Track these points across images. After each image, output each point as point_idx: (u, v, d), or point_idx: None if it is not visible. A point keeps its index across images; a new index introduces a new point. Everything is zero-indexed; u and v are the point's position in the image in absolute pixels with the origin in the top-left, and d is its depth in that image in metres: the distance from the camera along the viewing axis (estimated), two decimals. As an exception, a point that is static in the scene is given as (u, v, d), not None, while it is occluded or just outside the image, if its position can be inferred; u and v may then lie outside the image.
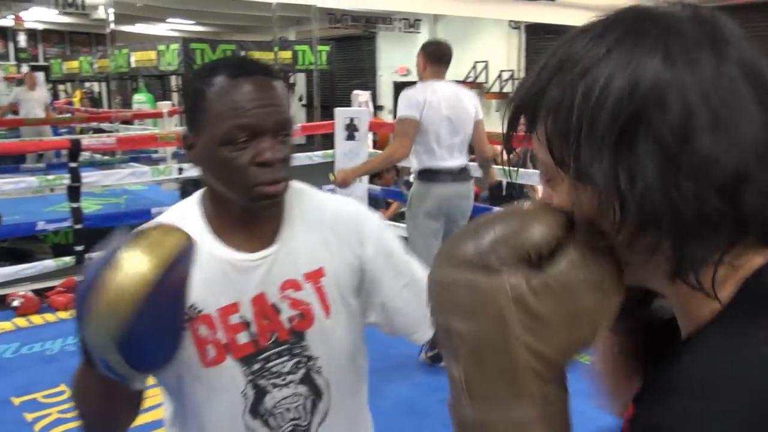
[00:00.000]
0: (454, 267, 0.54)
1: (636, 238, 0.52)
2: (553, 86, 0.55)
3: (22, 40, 15.74)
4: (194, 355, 1.04)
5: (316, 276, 1.10)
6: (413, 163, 3.74)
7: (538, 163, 0.59)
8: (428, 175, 3.64)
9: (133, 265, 0.81)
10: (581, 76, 0.53)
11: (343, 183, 3.89)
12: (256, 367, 1.07)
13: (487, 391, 0.53)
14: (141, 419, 1.09)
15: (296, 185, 1.14)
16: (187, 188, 8.56)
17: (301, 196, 1.14)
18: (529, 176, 5.08)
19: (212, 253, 1.05)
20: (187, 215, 1.09)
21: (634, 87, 0.51)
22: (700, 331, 0.53)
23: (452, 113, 3.64)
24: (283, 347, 1.08)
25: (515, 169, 4.48)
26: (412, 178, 3.94)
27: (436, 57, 3.74)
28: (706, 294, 0.52)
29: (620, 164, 0.51)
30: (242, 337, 1.06)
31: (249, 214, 1.06)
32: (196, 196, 1.13)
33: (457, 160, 3.70)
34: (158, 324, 0.87)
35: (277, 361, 1.08)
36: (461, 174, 3.73)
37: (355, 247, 1.13)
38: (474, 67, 12.10)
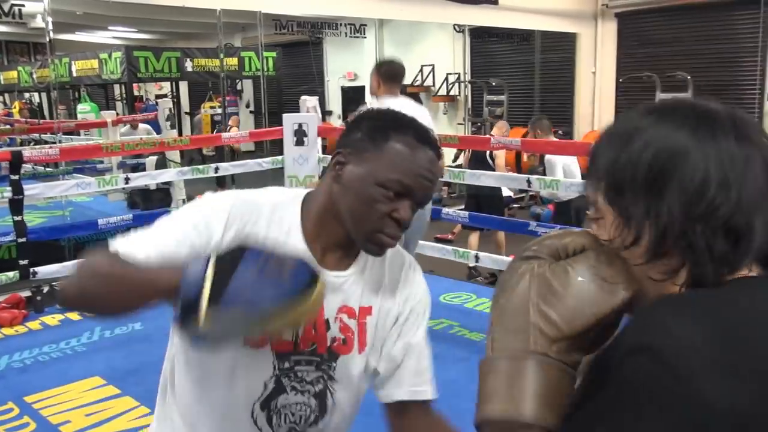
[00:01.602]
0: (515, 261, 0.74)
1: (657, 260, 0.68)
2: (609, 149, 0.73)
3: (-44, 51, 15.22)
4: None
5: (365, 312, 1.19)
6: None
7: (591, 207, 0.76)
8: None
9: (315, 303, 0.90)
10: (628, 143, 0.70)
11: None
12: (287, 365, 1.14)
13: (504, 343, 0.69)
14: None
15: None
16: (134, 198, 8.44)
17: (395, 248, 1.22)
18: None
19: (297, 250, 1.11)
20: (286, 214, 1.16)
21: (667, 150, 0.68)
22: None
23: None
24: (315, 359, 1.16)
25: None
26: None
27: (390, 76, 3.86)
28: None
29: (651, 205, 0.68)
30: (287, 335, 1.13)
31: (348, 243, 1.15)
32: (301, 195, 1.18)
33: None
34: None
35: (305, 368, 1.16)
36: None
37: (404, 307, 1.23)
38: (421, 71, 12.22)
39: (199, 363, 1.15)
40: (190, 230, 1.09)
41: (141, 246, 1.05)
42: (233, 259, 0.88)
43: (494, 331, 0.71)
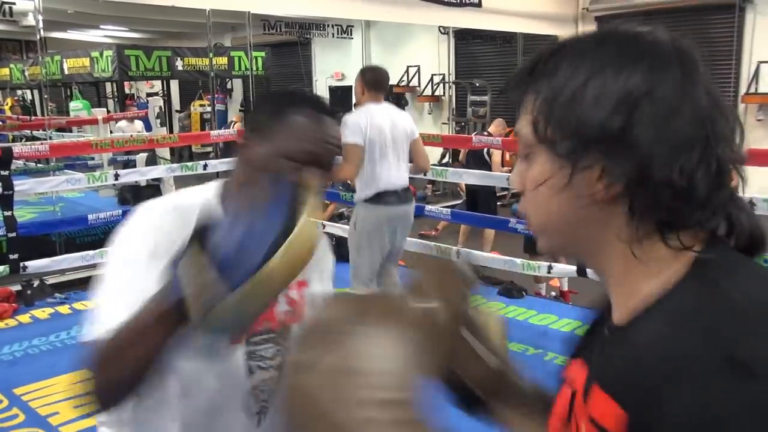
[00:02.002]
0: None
1: (607, 202, 0.61)
2: (550, 78, 0.63)
3: (-53, 48, 15.05)
4: None
5: (302, 285, 1.22)
6: (357, 183, 3.84)
7: (520, 140, 0.67)
8: (374, 198, 3.77)
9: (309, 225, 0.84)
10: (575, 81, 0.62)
11: None
12: (249, 349, 1.15)
13: None
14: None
15: None
16: (125, 195, 8.39)
17: None
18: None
19: None
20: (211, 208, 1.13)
21: (620, 95, 0.59)
22: (651, 305, 0.60)
23: (391, 132, 3.76)
24: (271, 335, 1.17)
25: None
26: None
27: (374, 83, 3.86)
28: (684, 248, 0.60)
29: (605, 146, 0.60)
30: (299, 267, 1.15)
31: None
32: (216, 188, 1.17)
33: (400, 178, 3.82)
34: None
35: (263, 346, 1.16)
36: (406, 194, 3.88)
37: (321, 271, 1.28)
38: (407, 72, 12.23)
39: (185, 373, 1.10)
40: (141, 273, 0.99)
41: (113, 317, 0.94)
42: (200, 239, 0.81)
43: None
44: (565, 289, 4.95)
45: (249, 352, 1.15)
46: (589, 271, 4.67)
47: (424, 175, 4.21)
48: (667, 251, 0.60)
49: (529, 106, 0.65)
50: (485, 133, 7.15)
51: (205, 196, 1.15)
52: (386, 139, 3.72)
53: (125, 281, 1.03)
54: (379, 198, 3.75)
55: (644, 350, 0.56)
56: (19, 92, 16.04)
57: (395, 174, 3.78)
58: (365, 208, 3.81)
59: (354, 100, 4.89)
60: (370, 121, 3.67)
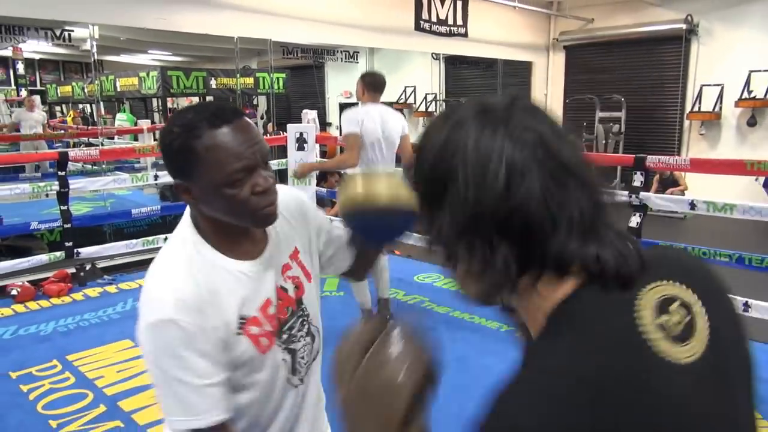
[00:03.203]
0: None
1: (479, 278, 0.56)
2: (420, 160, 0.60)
3: (20, 67, 15.00)
4: (252, 349, 1.04)
5: (295, 254, 1.15)
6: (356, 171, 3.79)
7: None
8: None
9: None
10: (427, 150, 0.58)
11: (301, 174, 4.19)
12: (285, 337, 1.10)
13: None
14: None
15: None
16: (165, 192, 8.33)
17: None
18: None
19: (229, 269, 1.03)
20: (190, 244, 1.02)
21: (442, 154, 0.55)
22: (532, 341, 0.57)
23: (384, 127, 3.73)
24: (295, 315, 1.13)
25: None
26: None
27: (373, 86, 3.84)
28: (511, 312, 0.58)
29: (434, 214, 0.56)
30: (274, 321, 1.09)
31: (249, 231, 1.07)
32: (187, 226, 1.05)
33: (390, 167, 3.76)
34: None
35: (294, 325, 1.12)
36: None
37: (305, 222, 1.20)
38: (404, 91, 12.17)
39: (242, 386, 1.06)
40: (207, 365, 0.95)
41: (210, 414, 0.94)
42: None
43: None
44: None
45: (286, 339, 1.10)
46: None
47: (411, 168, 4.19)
48: (538, 299, 0.56)
49: None
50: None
51: (185, 250, 1.01)
52: (379, 133, 3.70)
53: (202, 381, 0.95)
54: None
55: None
56: (81, 106, 16.00)
57: (388, 164, 3.76)
58: None
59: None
60: (366, 116, 3.69)
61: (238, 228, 1.04)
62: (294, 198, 1.19)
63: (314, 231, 1.21)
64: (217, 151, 0.93)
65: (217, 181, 0.94)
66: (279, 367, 1.09)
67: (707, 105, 8.22)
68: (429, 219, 0.56)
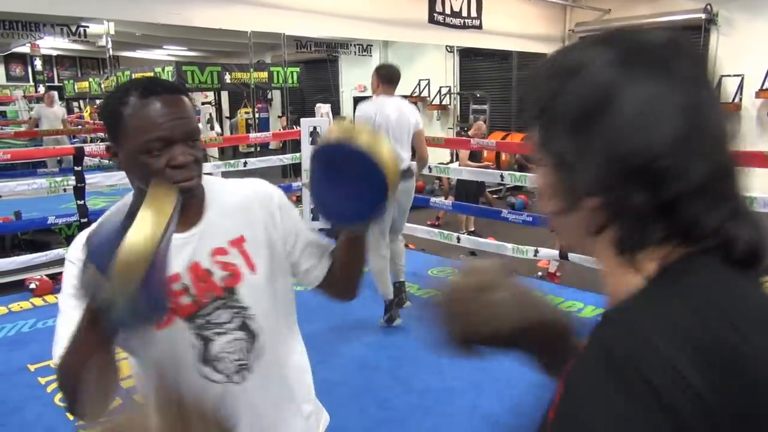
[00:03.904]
0: None
1: (584, 217, 0.53)
2: (539, 88, 0.58)
3: (38, 64, 15.20)
4: None
5: (239, 242, 1.11)
6: None
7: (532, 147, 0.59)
8: None
9: (146, 226, 0.78)
10: (563, 78, 0.55)
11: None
12: (200, 322, 1.07)
13: None
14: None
15: (212, 178, 1.16)
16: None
17: (217, 185, 1.16)
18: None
19: None
20: (123, 205, 1.04)
21: (597, 87, 0.52)
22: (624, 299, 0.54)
23: (396, 121, 3.73)
24: (219, 302, 1.08)
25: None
26: None
27: (388, 78, 3.85)
28: (633, 268, 0.53)
29: (578, 146, 0.52)
30: (184, 300, 1.06)
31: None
32: (130, 194, 1.09)
33: (401, 159, 3.73)
34: (162, 273, 0.83)
35: (215, 313, 1.08)
36: (405, 173, 3.78)
37: (270, 217, 1.16)
38: (418, 84, 12.10)
39: (140, 358, 1.09)
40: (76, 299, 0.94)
41: (63, 338, 0.95)
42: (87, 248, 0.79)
43: None
44: (552, 271, 4.86)
45: (201, 325, 1.07)
46: (571, 255, 4.56)
47: (425, 165, 4.14)
48: (644, 257, 0.53)
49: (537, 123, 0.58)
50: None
51: (118, 208, 1.04)
52: (392, 126, 3.69)
53: (71, 309, 0.98)
54: None
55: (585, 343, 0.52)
56: (98, 101, 16.16)
57: (402, 159, 3.75)
58: None
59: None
60: (380, 110, 3.69)
61: None
62: (262, 192, 1.17)
63: (282, 228, 1.17)
64: (137, 118, 0.98)
65: (134, 147, 0.99)
66: (181, 350, 1.06)
67: (727, 96, 8.08)
68: (560, 159, 0.53)
